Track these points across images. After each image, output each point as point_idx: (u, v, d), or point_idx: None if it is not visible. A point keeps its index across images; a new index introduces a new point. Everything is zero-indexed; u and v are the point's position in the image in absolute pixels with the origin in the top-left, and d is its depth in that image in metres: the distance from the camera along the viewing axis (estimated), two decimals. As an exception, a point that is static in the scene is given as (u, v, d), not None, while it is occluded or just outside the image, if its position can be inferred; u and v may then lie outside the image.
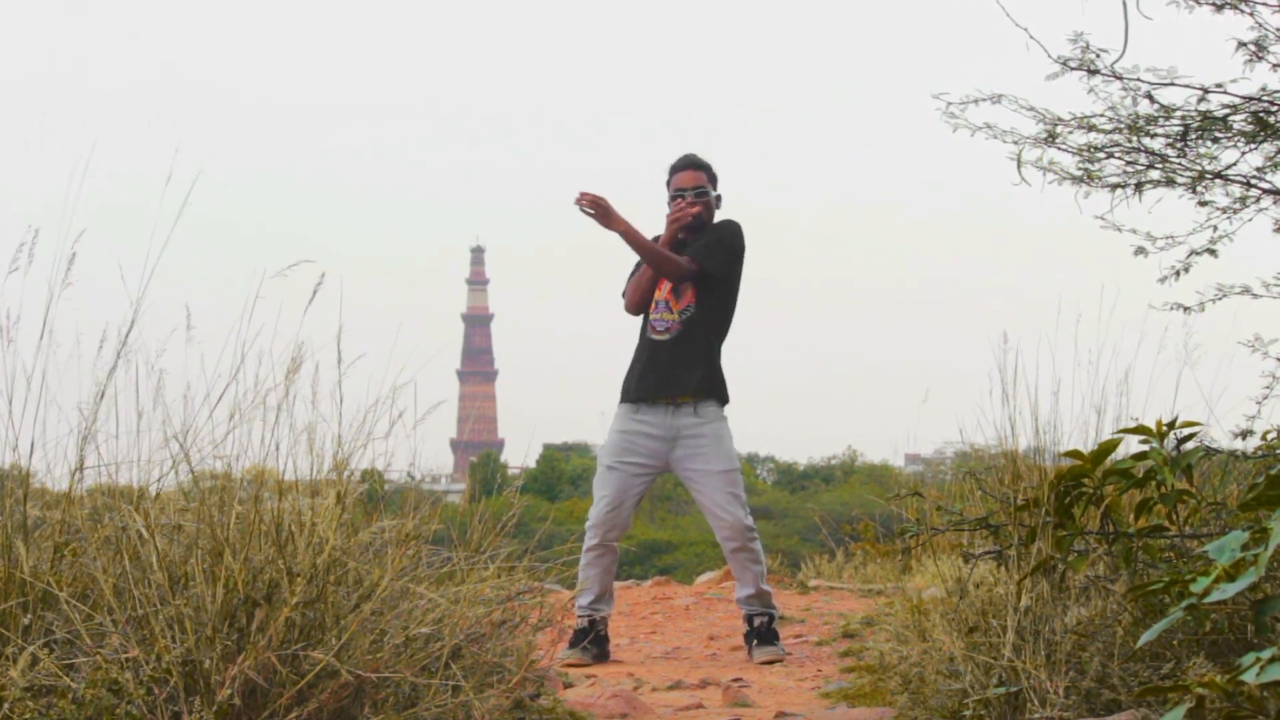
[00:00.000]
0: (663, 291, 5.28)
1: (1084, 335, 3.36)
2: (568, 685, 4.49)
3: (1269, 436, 3.39)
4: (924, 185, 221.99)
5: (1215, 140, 4.35)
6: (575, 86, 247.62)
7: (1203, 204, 4.49)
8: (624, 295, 5.37)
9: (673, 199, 5.34)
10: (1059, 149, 4.46)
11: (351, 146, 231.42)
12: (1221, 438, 3.68)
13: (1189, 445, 2.93)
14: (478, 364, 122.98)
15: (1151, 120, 4.34)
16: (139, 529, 2.75)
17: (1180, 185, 4.46)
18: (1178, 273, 4.55)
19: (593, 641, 5.18)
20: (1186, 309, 4.50)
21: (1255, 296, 4.50)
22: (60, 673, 2.54)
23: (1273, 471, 2.26)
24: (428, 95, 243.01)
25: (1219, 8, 4.18)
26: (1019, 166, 4.42)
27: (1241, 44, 4.18)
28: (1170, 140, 4.38)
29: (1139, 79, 4.28)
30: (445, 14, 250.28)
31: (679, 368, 5.20)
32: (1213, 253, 4.52)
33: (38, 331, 2.94)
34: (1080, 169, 4.48)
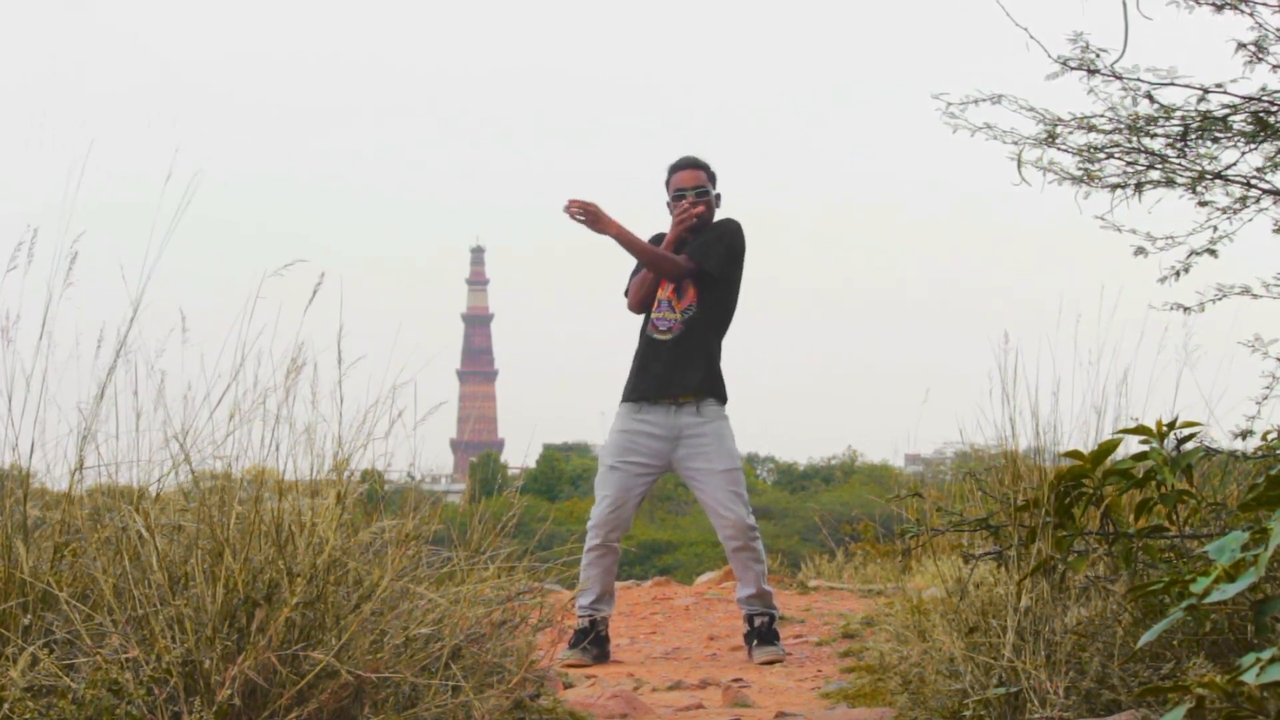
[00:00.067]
0: (665, 291, 5.28)
1: (1084, 335, 3.37)
2: (568, 685, 4.49)
3: (1269, 436, 3.39)
4: (924, 185, 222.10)
5: (1215, 140, 4.35)
6: (575, 86, 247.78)
7: (1203, 204, 4.49)
8: (626, 294, 5.37)
9: (674, 199, 5.34)
10: (1059, 149, 4.46)
11: (351, 146, 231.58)
12: (1221, 438, 3.68)
13: (1189, 445, 2.93)
14: (478, 364, 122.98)
15: (1151, 120, 4.34)
16: (139, 529, 2.75)
17: (1180, 185, 4.46)
18: (1178, 273, 4.55)
19: (593, 642, 5.18)
20: (1186, 309, 4.51)
21: (1255, 297, 4.50)
22: (60, 673, 2.54)
23: (1273, 471, 2.26)
24: (428, 95, 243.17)
25: (1219, 8, 4.18)
26: (1019, 166, 4.43)
27: (1241, 45, 4.18)
28: (1170, 140, 4.38)
29: (1139, 79, 4.28)
30: (445, 14, 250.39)
31: (681, 367, 5.20)
32: (1213, 253, 4.52)
33: (38, 331, 2.94)
34: (1080, 169, 4.49)
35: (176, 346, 2.98)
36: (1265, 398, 4.41)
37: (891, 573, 6.40)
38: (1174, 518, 2.91)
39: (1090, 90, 4.32)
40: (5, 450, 2.96)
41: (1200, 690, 1.80)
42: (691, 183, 5.32)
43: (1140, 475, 2.87)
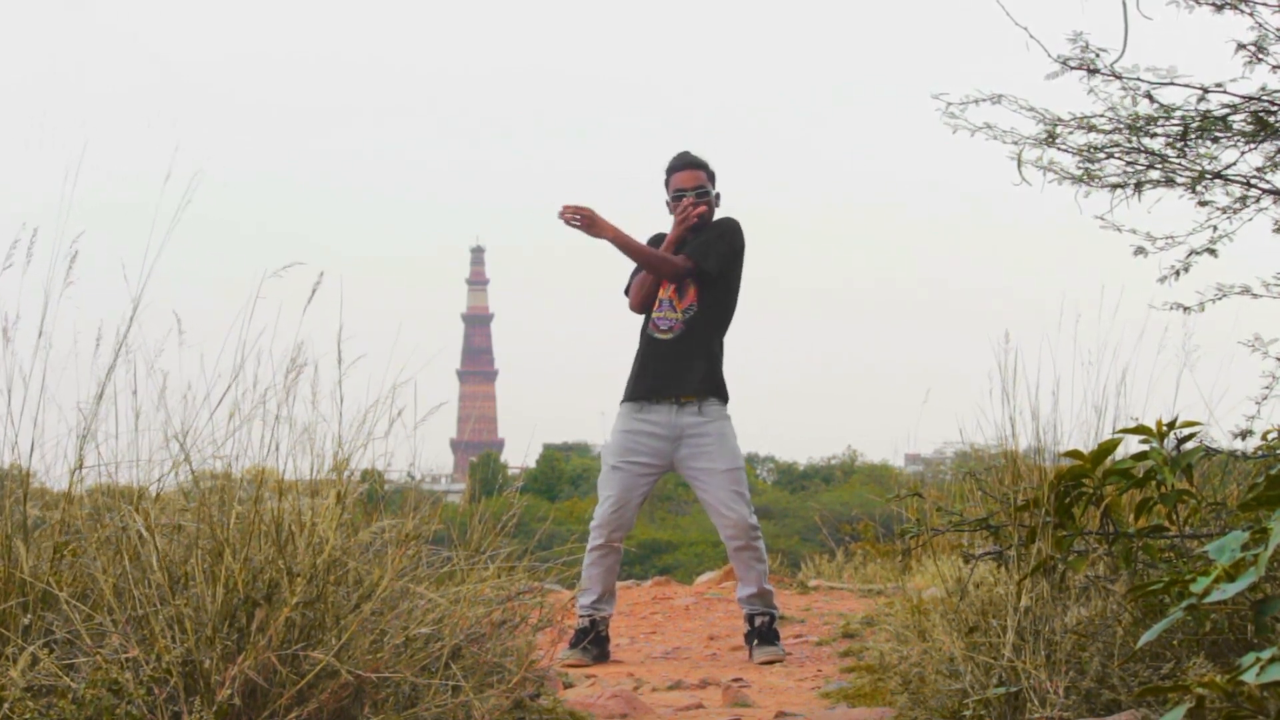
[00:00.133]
0: (666, 291, 5.27)
1: (1084, 335, 3.37)
2: (568, 685, 4.49)
3: (1269, 436, 3.39)
4: (924, 185, 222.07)
5: (1215, 140, 4.36)
6: (575, 86, 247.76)
7: (1203, 204, 4.49)
8: (627, 292, 5.37)
9: (674, 199, 5.33)
10: (1059, 149, 4.47)
11: (351, 146, 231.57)
12: (1221, 438, 3.68)
13: (1189, 445, 2.93)
14: (478, 364, 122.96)
15: (1151, 120, 4.34)
16: (139, 529, 2.75)
17: (1180, 185, 4.46)
18: (1177, 272, 4.55)
19: (593, 642, 5.18)
20: (1186, 309, 4.51)
21: (1255, 296, 4.51)
22: (60, 673, 2.54)
23: (1273, 471, 2.26)
24: (428, 95, 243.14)
25: (1219, 8, 4.18)
26: (1019, 166, 4.43)
27: (1241, 45, 4.18)
28: (1170, 140, 4.38)
29: (1139, 79, 4.29)
30: (445, 14, 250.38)
31: (682, 366, 5.19)
32: (1212, 252, 4.52)
33: (43, 330, 2.94)
34: (1080, 169, 4.49)
35: (176, 347, 2.98)
36: (1265, 398, 4.41)
37: (891, 573, 6.40)
38: (1174, 518, 2.91)
39: (1090, 90, 4.33)
40: (5, 450, 2.96)
41: (1200, 690, 1.80)
42: (691, 183, 5.31)
43: (1140, 475, 2.87)
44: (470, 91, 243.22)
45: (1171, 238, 4.54)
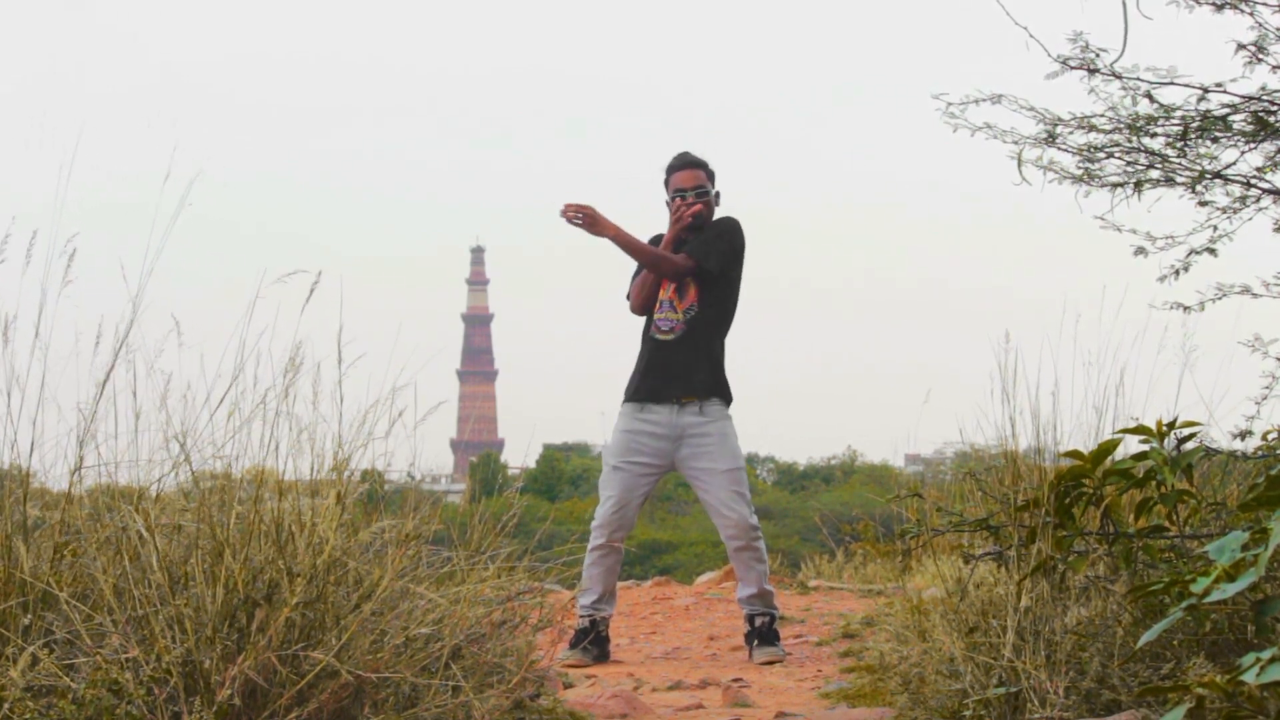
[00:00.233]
0: (667, 291, 5.27)
1: (1084, 335, 3.37)
2: (568, 685, 4.49)
3: (1269, 436, 3.39)
4: (924, 185, 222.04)
5: (1215, 140, 4.36)
6: (575, 86, 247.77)
7: (1203, 204, 4.49)
8: (628, 296, 5.37)
9: (673, 199, 5.33)
10: (1059, 149, 4.47)
11: (351, 146, 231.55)
12: (1221, 438, 3.68)
13: (1189, 445, 2.93)
14: (478, 364, 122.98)
15: (1151, 120, 4.34)
16: (139, 529, 2.75)
17: (1180, 185, 4.46)
18: (1177, 272, 4.55)
19: (593, 642, 5.18)
20: (1186, 308, 4.51)
21: (1255, 296, 4.51)
22: (60, 673, 2.54)
23: (1273, 472, 2.26)
24: (428, 95, 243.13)
25: (1219, 8, 4.19)
26: (1019, 166, 4.43)
27: (1241, 45, 4.18)
28: (1170, 140, 4.38)
29: (1139, 78, 4.29)
30: (445, 14, 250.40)
31: (684, 367, 5.19)
32: (1212, 252, 4.53)
33: (39, 330, 2.94)
34: (1080, 168, 4.49)
35: (176, 348, 2.98)
36: (1265, 398, 4.41)
37: (891, 573, 6.41)
38: (1174, 518, 2.91)
39: (1090, 90, 4.33)
40: (4, 449, 2.96)
41: (1200, 690, 1.80)
42: (691, 183, 5.31)
43: (1140, 475, 2.87)
44: (470, 91, 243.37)
45: (1171, 237, 4.54)
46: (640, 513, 5.45)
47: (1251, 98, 4.25)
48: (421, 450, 3.33)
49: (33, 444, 2.95)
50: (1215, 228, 4.50)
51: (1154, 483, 2.86)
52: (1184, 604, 2.01)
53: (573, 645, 5.14)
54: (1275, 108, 4.24)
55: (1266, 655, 1.76)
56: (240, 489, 2.91)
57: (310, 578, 2.73)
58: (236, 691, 2.56)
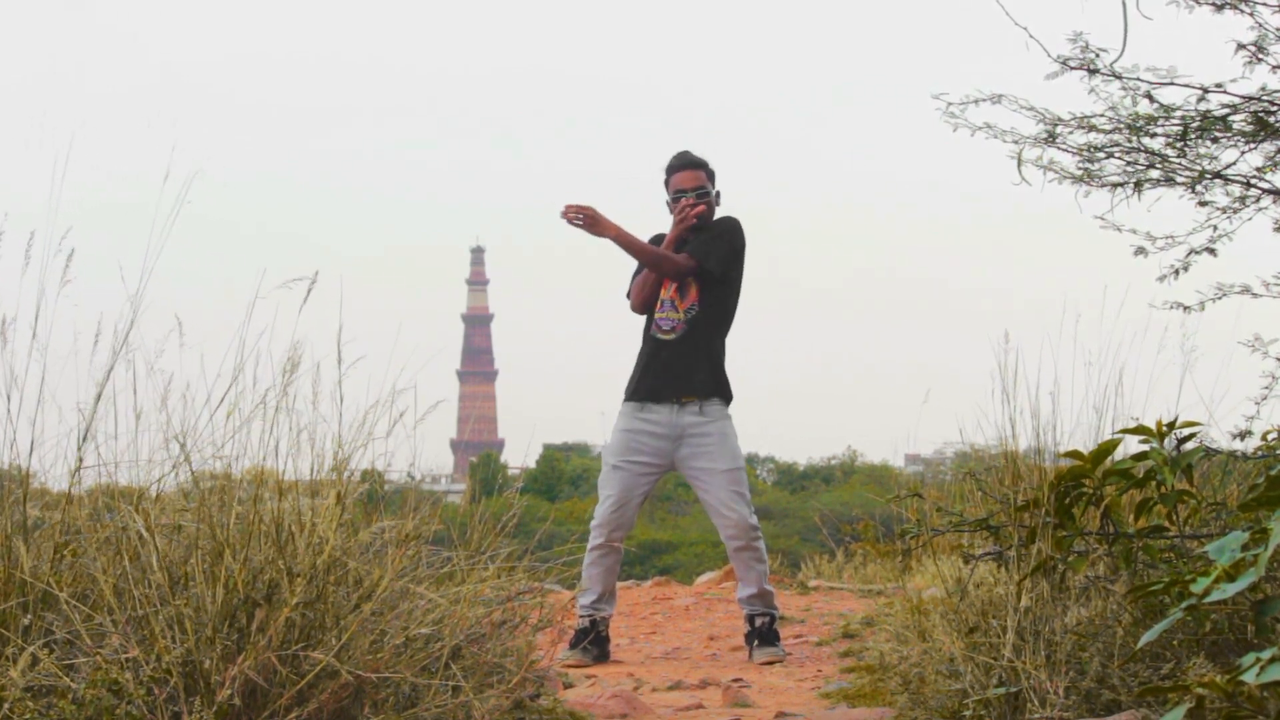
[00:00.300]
0: (668, 291, 5.27)
1: (1084, 335, 3.37)
2: (568, 685, 4.49)
3: (1269, 436, 3.39)
4: (924, 185, 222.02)
5: (1215, 140, 4.36)
6: (575, 86, 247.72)
7: (1203, 204, 4.49)
8: (629, 295, 5.37)
9: (674, 199, 5.33)
10: (1059, 148, 4.47)
11: (351, 146, 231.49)
12: (1221, 438, 3.68)
13: (1189, 445, 2.93)
14: (478, 364, 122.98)
15: (1151, 120, 4.34)
16: (139, 529, 2.75)
17: (1180, 185, 4.46)
18: (1177, 272, 4.55)
19: (593, 642, 5.18)
20: (1186, 308, 4.51)
21: (1255, 296, 4.50)
22: (60, 673, 2.54)
23: (1273, 471, 2.26)
24: (428, 95, 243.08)
25: (1219, 8, 4.19)
26: (1019, 166, 4.43)
27: (1241, 45, 4.18)
28: (1170, 140, 4.38)
29: (1139, 79, 4.29)
30: (445, 14, 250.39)
31: (685, 367, 5.19)
32: (1212, 252, 4.53)
33: (36, 330, 2.94)
34: (1080, 168, 4.49)
35: (177, 348, 2.98)
36: (1265, 398, 4.41)
37: (891, 573, 6.41)
38: (1174, 518, 2.91)
39: (1090, 90, 4.33)
40: (4, 449, 2.96)
41: (1200, 690, 1.80)
42: (691, 183, 5.31)
43: (1140, 475, 2.87)
44: (470, 91, 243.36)
45: (1171, 237, 4.54)
46: (640, 513, 5.45)
47: (1251, 98, 4.25)
48: (421, 450, 3.33)
49: (32, 444, 2.95)
50: (1215, 228, 4.50)
51: (1154, 483, 2.86)
52: (1184, 604, 2.01)
53: (573, 645, 5.14)
54: (1275, 108, 4.24)
55: (1266, 655, 1.76)
56: (240, 489, 2.91)
57: (310, 578, 2.73)
58: (236, 691, 2.56)
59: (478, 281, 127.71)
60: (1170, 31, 4.46)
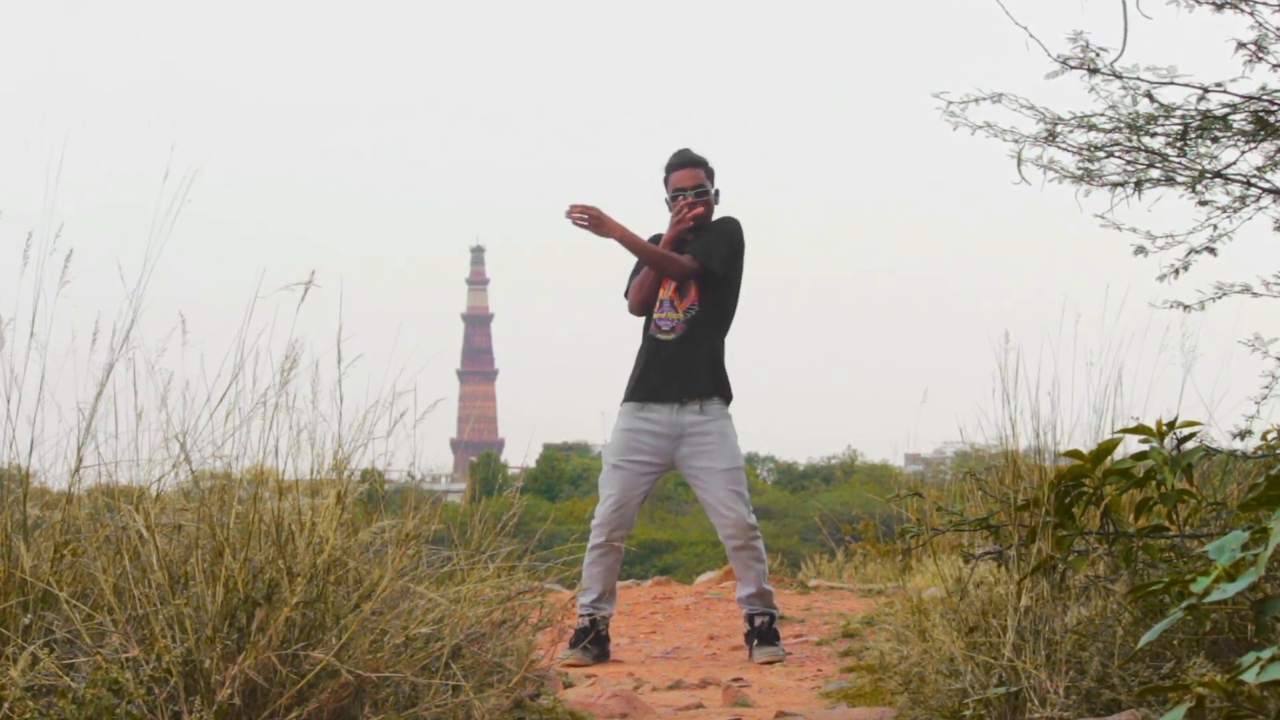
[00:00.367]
0: (667, 291, 5.27)
1: (1084, 335, 3.37)
2: (568, 685, 4.49)
3: (1269, 436, 3.39)
4: (924, 185, 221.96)
5: (1215, 139, 4.36)
6: (575, 86, 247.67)
7: (1203, 203, 4.49)
8: (626, 296, 5.37)
9: (672, 198, 5.33)
10: (1059, 148, 4.47)
11: (351, 146, 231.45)
12: (1221, 438, 3.68)
13: (1189, 445, 2.93)
14: (478, 364, 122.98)
15: (1151, 119, 4.34)
16: (139, 529, 2.75)
17: (1180, 184, 4.46)
18: (1177, 271, 4.55)
19: (593, 641, 5.18)
20: (1186, 307, 4.51)
21: (1255, 295, 4.50)
22: (60, 673, 2.54)
23: (1273, 471, 2.26)
24: (428, 95, 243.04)
25: (1219, 7, 4.19)
26: (1019, 165, 4.43)
27: (1241, 44, 4.18)
28: (1170, 139, 4.38)
29: (1139, 78, 4.29)
30: (445, 14, 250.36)
31: (685, 367, 5.19)
32: (1212, 251, 4.52)
33: (37, 330, 2.94)
34: (1080, 168, 4.49)
35: (176, 347, 2.98)
36: (1265, 397, 4.41)
37: (891, 572, 6.40)
38: (1174, 518, 2.91)
39: (1090, 89, 4.33)
40: (4, 449, 2.96)
41: (1200, 690, 1.80)
42: (690, 181, 5.31)
43: (1140, 475, 2.87)
44: (470, 91, 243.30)
45: (1171, 237, 4.54)
46: (640, 512, 5.45)
47: (1251, 97, 4.25)
48: (421, 450, 3.34)
49: (32, 443, 2.95)
50: (1215, 227, 4.50)
51: (1154, 482, 2.86)
52: (1184, 604, 2.01)
53: (573, 645, 5.14)
54: (1275, 107, 4.24)
55: (1266, 655, 1.76)
56: (240, 489, 2.91)
57: (310, 577, 2.73)
58: (236, 691, 2.56)
59: (478, 281, 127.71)
60: (1170, 31, 4.47)
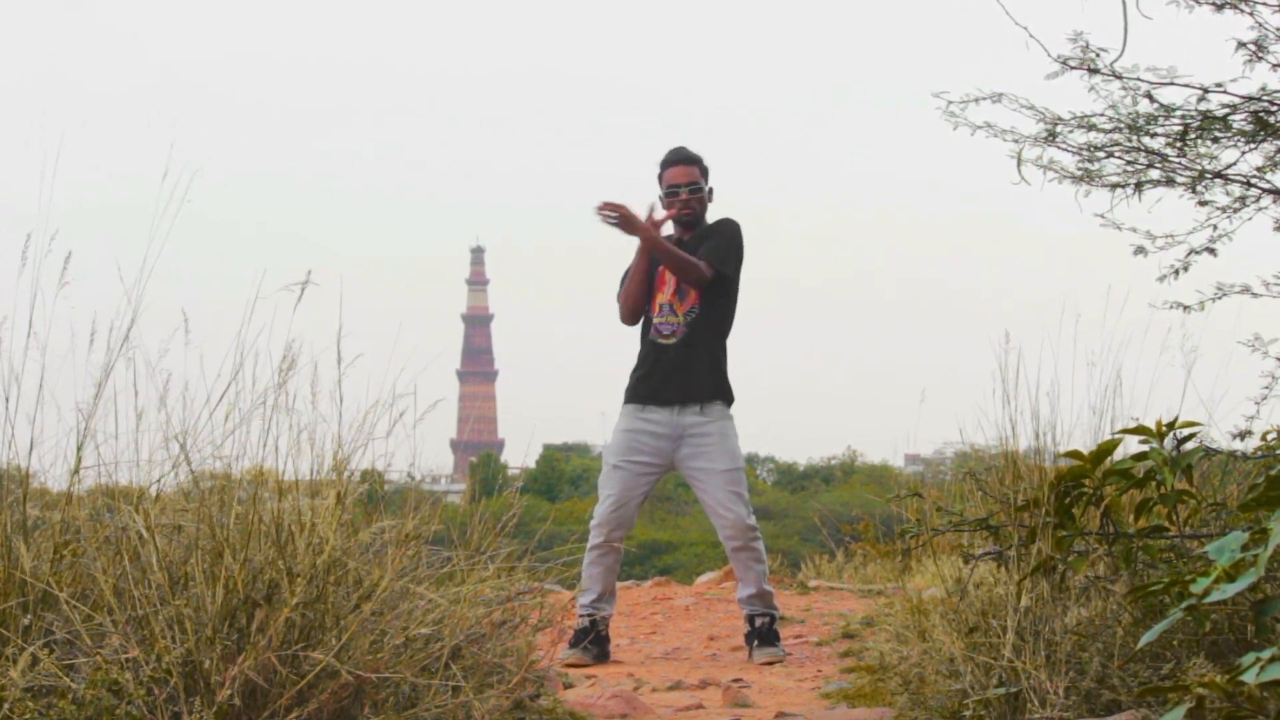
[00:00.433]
0: (666, 294, 5.26)
1: (1084, 336, 3.37)
2: (568, 685, 4.49)
3: (1269, 436, 3.39)
4: (924, 185, 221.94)
5: (1215, 140, 4.36)
6: (575, 86, 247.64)
7: (1203, 203, 4.49)
8: (619, 301, 5.35)
9: (667, 195, 5.32)
10: (1059, 148, 4.47)
11: (351, 146, 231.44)
12: (1221, 438, 3.68)
13: (1189, 445, 2.93)
14: (478, 364, 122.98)
15: (1151, 119, 4.34)
16: (139, 529, 2.75)
17: (1180, 184, 4.46)
18: (1177, 271, 4.55)
19: (593, 641, 5.18)
20: (1186, 308, 4.51)
21: (1255, 296, 4.50)
22: (60, 673, 2.53)
23: (1273, 471, 2.26)
24: (428, 95, 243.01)
25: (1219, 8, 4.19)
26: (1019, 165, 4.43)
27: (1241, 44, 4.18)
28: (1170, 140, 4.38)
29: (1139, 78, 4.29)
30: (445, 14, 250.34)
31: (686, 371, 5.19)
32: (1212, 251, 4.53)
33: (36, 331, 2.94)
34: (1080, 168, 4.49)
35: (176, 347, 2.98)
36: (1265, 397, 4.41)
37: (891, 573, 6.40)
38: (1174, 518, 2.91)
39: (1090, 89, 4.33)
40: (3, 449, 2.96)
41: (1200, 690, 1.80)
42: (685, 179, 5.30)
43: (1140, 475, 2.87)
44: (470, 91, 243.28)
45: (1171, 237, 4.54)
46: (640, 512, 5.45)
47: (1251, 98, 4.25)
48: (421, 450, 3.33)
49: (32, 444, 2.95)
50: (1215, 227, 4.50)
51: (1154, 483, 2.86)
52: (1184, 604, 2.01)
53: (573, 645, 5.14)
54: (1275, 108, 4.24)
55: (1266, 655, 1.76)
56: (240, 489, 2.91)
57: (310, 578, 2.73)
58: (236, 691, 2.56)
59: (478, 281, 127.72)
60: (1170, 31, 4.46)
